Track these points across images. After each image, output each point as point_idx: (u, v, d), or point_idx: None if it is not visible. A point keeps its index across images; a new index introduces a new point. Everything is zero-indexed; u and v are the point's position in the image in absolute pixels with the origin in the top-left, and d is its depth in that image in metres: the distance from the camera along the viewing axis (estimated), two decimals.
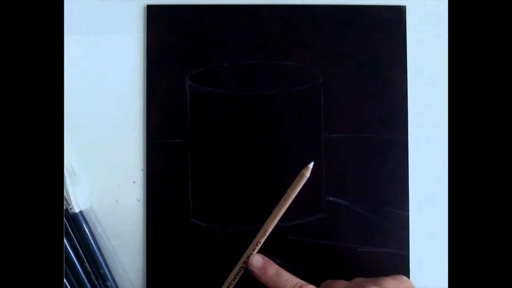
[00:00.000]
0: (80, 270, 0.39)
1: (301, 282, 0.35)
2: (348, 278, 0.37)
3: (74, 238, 0.39)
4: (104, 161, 0.40)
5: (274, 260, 0.39)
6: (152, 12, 0.41)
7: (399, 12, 0.41)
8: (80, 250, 0.39)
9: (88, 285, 0.39)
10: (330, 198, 0.40)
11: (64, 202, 0.39)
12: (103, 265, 0.39)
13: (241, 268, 0.37)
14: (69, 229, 0.39)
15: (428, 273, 0.40)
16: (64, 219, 0.39)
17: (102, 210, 0.40)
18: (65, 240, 0.39)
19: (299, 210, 0.40)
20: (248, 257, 0.37)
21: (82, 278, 0.39)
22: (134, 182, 0.40)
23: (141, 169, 0.40)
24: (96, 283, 0.39)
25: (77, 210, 0.39)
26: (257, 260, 0.37)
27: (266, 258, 0.37)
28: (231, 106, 0.40)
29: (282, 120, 0.40)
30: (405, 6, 0.41)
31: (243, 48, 0.41)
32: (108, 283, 0.39)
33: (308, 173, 0.37)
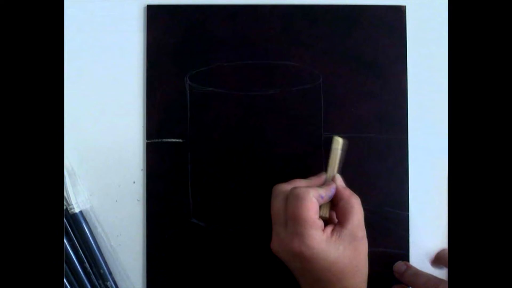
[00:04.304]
0: (80, 270, 0.39)
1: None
2: None
3: (74, 238, 0.39)
4: (104, 161, 0.40)
5: (274, 261, 0.39)
6: (152, 12, 0.41)
7: (399, 12, 0.41)
8: (80, 250, 0.39)
9: (88, 285, 0.39)
10: None
11: (64, 202, 0.39)
12: (103, 265, 0.39)
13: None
14: (69, 229, 0.39)
15: None
16: (64, 219, 0.39)
17: (102, 210, 0.40)
18: (65, 240, 0.39)
19: None
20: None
21: (82, 278, 0.39)
22: (134, 182, 0.40)
23: (141, 169, 0.40)
24: (96, 283, 0.39)
25: (77, 210, 0.39)
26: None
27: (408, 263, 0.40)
28: (231, 106, 0.40)
29: (282, 120, 0.40)
30: (405, 6, 0.41)
31: (243, 48, 0.41)
32: (108, 283, 0.39)
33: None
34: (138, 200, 0.40)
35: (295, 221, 0.32)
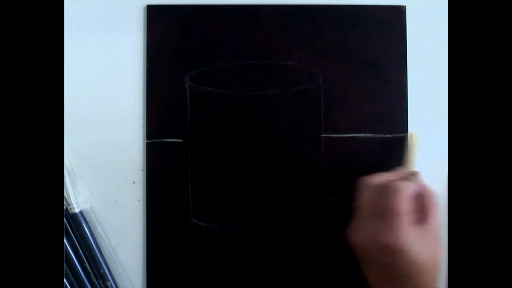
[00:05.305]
0: (80, 270, 0.39)
1: None
2: (348, 279, 0.37)
3: (74, 238, 0.39)
4: (104, 161, 0.40)
5: (275, 261, 0.39)
6: (152, 12, 0.41)
7: (399, 12, 0.41)
8: (80, 250, 0.39)
9: (88, 285, 0.39)
10: (330, 198, 0.40)
11: (64, 202, 0.39)
12: (103, 265, 0.39)
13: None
14: (69, 229, 0.39)
15: None
16: (64, 219, 0.39)
17: (102, 210, 0.40)
18: (65, 240, 0.39)
19: (299, 210, 0.40)
20: None
21: (82, 278, 0.39)
22: (134, 182, 0.40)
23: (141, 169, 0.40)
24: (96, 283, 0.39)
25: (77, 210, 0.39)
26: None
27: None
28: (231, 106, 0.40)
29: (282, 120, 0.40)
30: (405, 6, 0.41)
31: (243, 48, 0.41)
32: (108, 283, 0.39)
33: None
34: (138, 200, 0.40)
35: (391, 214, 0.32)
